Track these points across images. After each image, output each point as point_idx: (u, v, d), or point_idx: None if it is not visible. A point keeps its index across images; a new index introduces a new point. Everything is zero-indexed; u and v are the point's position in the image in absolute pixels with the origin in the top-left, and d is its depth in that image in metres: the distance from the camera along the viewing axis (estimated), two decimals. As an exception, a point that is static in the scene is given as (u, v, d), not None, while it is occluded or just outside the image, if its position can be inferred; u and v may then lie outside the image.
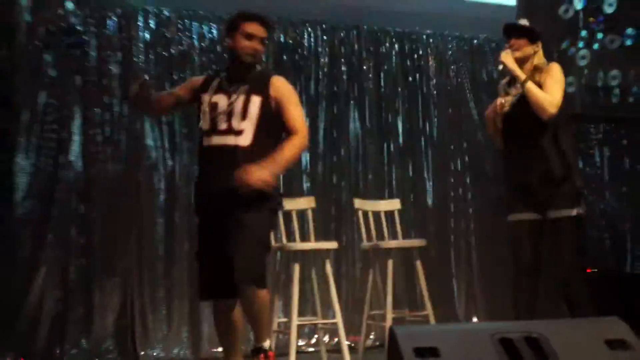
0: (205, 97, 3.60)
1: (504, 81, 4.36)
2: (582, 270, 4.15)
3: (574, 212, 4.02)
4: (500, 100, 4.25)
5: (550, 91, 4.05)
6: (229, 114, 3.55)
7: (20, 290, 4.99)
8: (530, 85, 4.07)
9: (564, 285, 4.11)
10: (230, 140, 3.54)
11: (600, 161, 7.09)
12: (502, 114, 4.22)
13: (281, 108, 3.62)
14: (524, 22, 4.30)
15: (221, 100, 3.57)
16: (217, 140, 3.57)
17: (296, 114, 3.66)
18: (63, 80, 5.22)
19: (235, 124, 3.54)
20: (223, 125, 3.55)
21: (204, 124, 3.59)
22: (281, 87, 3.68)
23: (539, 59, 4.20)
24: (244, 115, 3.54)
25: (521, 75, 4.11)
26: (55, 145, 5.17)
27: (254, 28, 3.63)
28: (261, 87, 3.60)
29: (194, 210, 3.76)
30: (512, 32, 4.26)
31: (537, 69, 4.16)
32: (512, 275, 4.25)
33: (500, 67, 4.21)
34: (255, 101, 3.56)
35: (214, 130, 3.57)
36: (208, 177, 3.65)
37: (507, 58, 4.15)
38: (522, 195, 4.19)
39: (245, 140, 3.53)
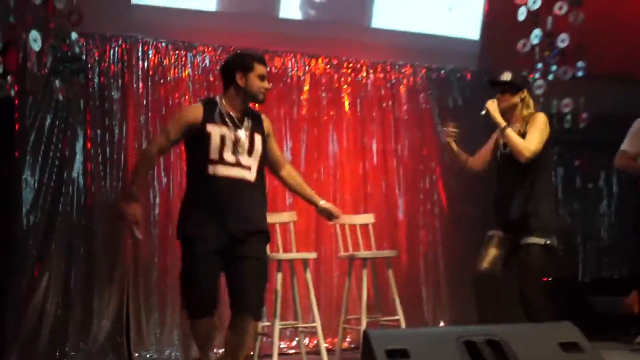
0: (215, 128, 3.45)
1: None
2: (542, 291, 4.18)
3: (543, 241, 4.06)
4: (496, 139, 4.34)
5: (529, 138, 4.08)
6: (236, 148, 3.45)
7: (25, 295, 4.99)
8: (508, 131, 4.10)
9: (522, 295, 4.14)
10: (239, 173, 3.45)
11: (555, 180, 7.13)
12: (498, 153, 4.32)
13: (269, 143, 3.63)
14: (506, 76, 4.29)
15: (227, 133, 3.45)
16: (225, 171, 3.43)
17: (278, 146, 3.75)
18: (68, 104, 5.20)
19: (244, 159, 3.46)
20: (231, 158, 3.44)
21: (213, 153, 3.44)
22: (269, 125, 3.66)
23: (527, 106, 4.23)
24: (250, 151, 3.47)
25: (501, 122, 4.15)
26: (60, 163, 5.17)
27: (264, 69, 3.59)
28: (259, 125, 3.57)
29: (188, 233, 3.50)
30: (492, 85, 4.30)
31: (523, 119, 4.19)
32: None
33: (484, 112, 4.23)
34: (259, 139, 3.51)
35: (221, 160, 3.43)
36: (219, 208, 3.46)
37: (491, 106, 4.19)
38: (502, 220, 4.24)
39: (251, 175, 3.48)
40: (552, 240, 4.08)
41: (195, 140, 3.50)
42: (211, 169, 3.45)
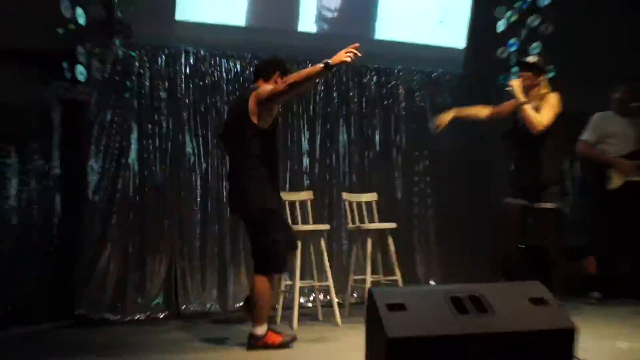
0: None
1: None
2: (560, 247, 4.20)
3: (555, 205, 4.07)
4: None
5: (542, 113, 4.08)
6: None
7: (92, 260, 5.04)
8: (525, 106, 4.09)
9: (504, 259, 4.15)
10: None
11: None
12: (517, 126, 4.26)
13: None
14: (531, 58, 4.28)
15: None
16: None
17: None
18: (124, 103, 5.23)
19: None
20: None
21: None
22: None
23: (544, 88, 4.19)
24: None
25: (521, 97, 4.13)
26: (118, 152, 5.19)
27: None
28: None
29: (275, 206, 3.68)
30: (520, 65, 4.26)
31: (540, 97, 4.16)
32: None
33: (508, 89, 4.22)
34: None
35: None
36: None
37: (515, 84, 4.20)
38: (519, 188, 4.23)
39: None
40: (561, 204, 4.08)
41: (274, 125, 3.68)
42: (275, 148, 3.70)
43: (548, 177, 4.16)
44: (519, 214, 4.30)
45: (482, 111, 4.57)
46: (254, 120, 3.57)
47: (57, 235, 5.46)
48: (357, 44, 3.38)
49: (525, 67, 4.27)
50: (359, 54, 3.39)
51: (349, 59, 3.35)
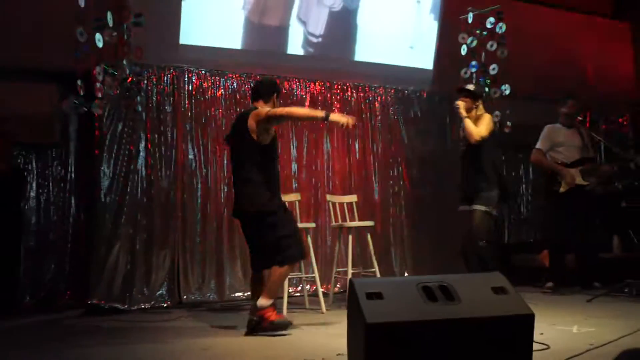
0: None
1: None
2: (490, 245, 4.24)
3: (483, 207, 4.13)
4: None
5: (479, 127, 4.19)
6: None
7: (103, 255, 4.96)
8: (466, 120, 4.29)
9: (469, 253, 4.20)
10: None
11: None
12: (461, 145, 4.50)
13: None
14: (470, 86, 4.44)
15: None
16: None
17: None
18: (133, 116, 5.16)
19: None
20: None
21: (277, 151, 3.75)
22: None
23: (480, 110, 4.34)
24: None
25: (463, 113, 4.31)
26: (127, 158, 5.11)
27: None
28: None
29: (276, 207, 3.61)
30: (461, 91, 4.41)
31: (477, 118, 4.30)
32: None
33: (455, 107, 4.38)
34: None
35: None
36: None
37: (460, 104, 4.37)
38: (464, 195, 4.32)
39: None
40: (490, 207, 4.14)
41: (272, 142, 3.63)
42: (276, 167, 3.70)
43: (479, 184, 4.24)
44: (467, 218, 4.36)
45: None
46: (254, 136, 3.53)
47: (72, 233, 5.39)
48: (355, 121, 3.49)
49: (465, 93, 4.37)
50: (355, 124, 3.50)
51: (344, 123, 3.40)
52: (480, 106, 4.38)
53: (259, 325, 3.49)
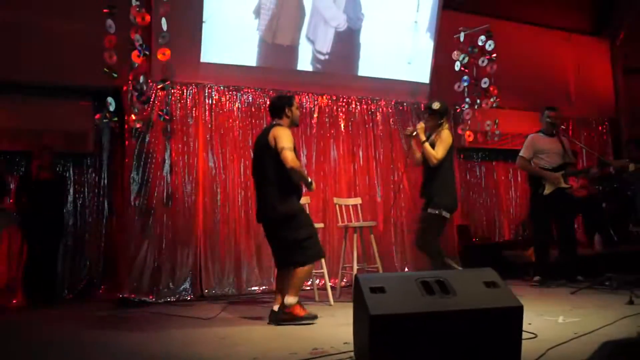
0: None
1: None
2: (438, 245, 4.21)
3: (436, 211, 4.10)
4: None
5: (436, 149, 4.14)
6: None
7: (133, 252, 4.97)
8: (425, 145, 4.21)
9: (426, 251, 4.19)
10: None
11: (479, 174, 7.08)
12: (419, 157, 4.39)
13: None
14: (435, 105, 4.30)
15: None
16: None
17: None
18: (159, 127, 5.17)
19: None
20: None
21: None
22: None
23: (444, 127, 4.24)
24: None
25: (423, 138, 4.24)
26: (154, 166, 5.12)
27: (296, 102, 3.77)
28: None
29: (297, 211, 3.63)
30: (426, 109, 4.34)
31: (437, 135, 4.21)
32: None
33: (414, 133, 4.29)
34: None
35: None
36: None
37: (419, 127, 4.30)
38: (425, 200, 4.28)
39: None
40: (442, 211, 4.10)
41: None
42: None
43: (435, 190, 4.21)
44: None
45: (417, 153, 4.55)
46: (275, 147, 3.52)
47: (105, 234, 5.43)
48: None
49: (430, 111, 4.31)
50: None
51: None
52: (445, 124, 4.29)
53: (282, 317, 3.50)
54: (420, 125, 4.29)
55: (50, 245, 5.09)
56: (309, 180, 3.55)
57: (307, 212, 4.78)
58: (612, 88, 8.02)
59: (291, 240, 3.53)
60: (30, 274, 4.93)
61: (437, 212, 4.14)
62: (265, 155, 3.58)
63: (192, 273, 5.13)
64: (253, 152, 3.84)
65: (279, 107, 3.71)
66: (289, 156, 3.45)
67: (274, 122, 3.71)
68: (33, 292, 4.89)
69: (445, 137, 4.21)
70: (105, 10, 4.49)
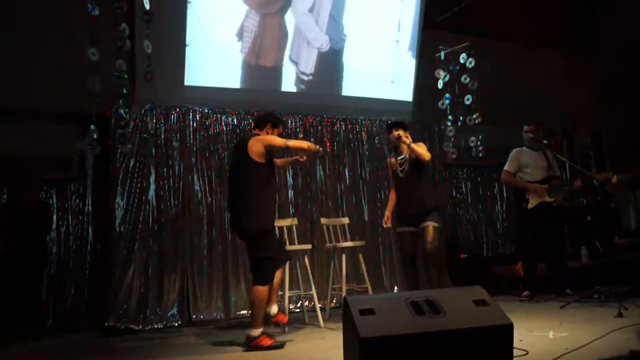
0: None
1: (392, 156, 4.60)
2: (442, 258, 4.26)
3: (434, 224, 4.13)
4: (393, 161, 4.51)
5: (423, 149, 4.18)
6: None
7: (119, 279, 4.91)
8: (412, 145, 4.31)
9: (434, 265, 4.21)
10: None
11: (465, 190, 7.13)
12: (397, 170, 4.46)
13: None
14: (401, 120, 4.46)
15: None
16: None
17: None
18: (144, 152, 5.15)
19: None
20: None
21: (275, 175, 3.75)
22: None
23: (408, 138, 4.35)
24: None
25: (407, 141, 4.36)
26: (139, 190, 5.10)
27: (281, 131, 3.79)
28: None
29: (271, 226, 3.67)
30: (398, 126, 4.41)
31: (407, 146, 4.34)
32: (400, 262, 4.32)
33: (399, 138, 4.35)
34: None
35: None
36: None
37: (402, 133, 4.41)
38: (406, 216, 4.25)
39: None
40: (439, 222, 4.16)
41: (269, 164, 3.61)
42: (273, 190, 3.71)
43: (429, 202, 4.26)
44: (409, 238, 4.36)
45: (393, 198, 4.61)
46: (254, 157, 3.52)
47: (90, 261, 5.35)
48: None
49: (397, 125, 4.47)
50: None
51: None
52: (408, 135, 4.46)
53: (249, 349, 3.46)
54: (402, 132, 4.40)
55: (33, 273, 4.99)
56: (315, 147, 3.59)
57: (292, 233, 4.80)
58: (592, 102, 8.16)
59: (253, 257, 3.55)
60: (12, 302, 4.82)
61: (437, 225, 4.20)
62: (242, 165, 3.57)
63: (179, 298, 5.06)
64: (231, 160, 3.85)
65: (264, 121, 3.74)
66: (292, 144, 3.58)
67: (253, 132, 3.75)
68: (16, 321, 4.78)
69: (423, 145, 4.38)
70: (88, 38, 4.46)
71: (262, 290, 3.47)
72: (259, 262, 3.52)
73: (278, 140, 3.59)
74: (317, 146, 3.64)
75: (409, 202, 4.36)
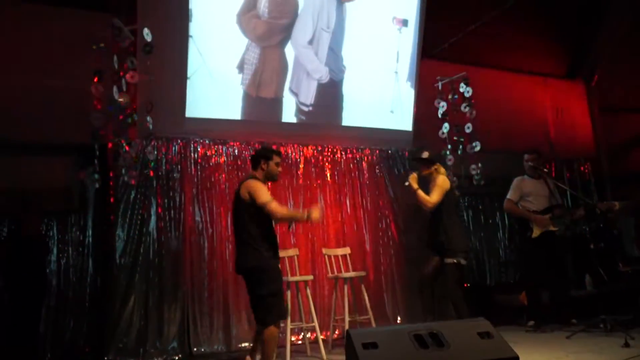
0: None
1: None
2: (461, 291, 4.14)
3: (454, 260, 4.06)
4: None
5: (431, 194, 4.14)
6: None
7: (118, 313, 4.86)
8: (417, 192, 4.19)
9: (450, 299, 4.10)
10: None
11: (467, 218, 7.11)
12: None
13: None
14: (424, 155, 4.36)
15: None
16: None
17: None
18: (145, 183, 5.16)
19: None
20: None
21: None
22: None
23: (436, 173, 4.26)
24: None
25: (414, 187, 4.22)
26: (140, 222, 5.08)
27: (279, 159, 3.66)
28: None
29: (272, 264, 3.49)
30: (418, 161, 4.36)
31: (433, 180, 4.23)
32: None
33: (407, 183, 4.26)
34: None
35: None
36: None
37: (412, 179, 4.26)
38: (430, 245, 4.25)
39: None
40: (459, 258, 4.07)
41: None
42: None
43: (444, 238, 4.20)
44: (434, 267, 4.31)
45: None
46: (246, 201, 3.47)
47: (89, 293, 5.28)
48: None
49: (421, 161, 4.37)
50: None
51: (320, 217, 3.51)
52: (439, 168, 4.36)
53: None
54: (412, 175, 4.32)
55: (32, 306, 4.94)
56: (304, 216, 3.43)
57: (294, 264, 4.77)
58: (590, 128, 8.22)
59: (256, 296, 3.45)
60: (10, 335, 4.76)
61: (454, 261, 4.11)
62: (239, 208, 3.54)
63: (179, 331, 5.00)
64: (232, 203, 3.82)
65: (256, 159, 3.69)
66: (273, 208, 3.41)
67: (250, 174, 3.71)
68: (13, 354, 4.71)
69: (440, 182, 4.24)
70: (95, 77, 4.50)
71: (269, 332, 3.35)
72: (260, 299, 3.42)
73: (262, 196, 3.42)
74: (304, 212, 3.42)
75: (430, 234, 4.32)
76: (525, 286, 5.34)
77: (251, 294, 3.51)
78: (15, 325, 4.77)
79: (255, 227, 3.46)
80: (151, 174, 5.09)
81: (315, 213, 3.41)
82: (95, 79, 4.22)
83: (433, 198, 4.17)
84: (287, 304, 4.20)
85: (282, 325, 4.56)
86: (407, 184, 4.28)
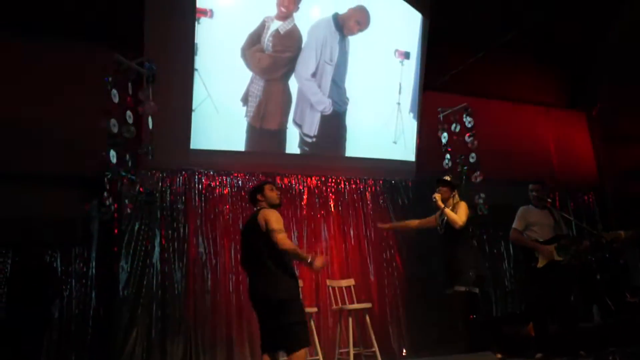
0: None
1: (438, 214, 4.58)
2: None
3: (464, 288, 4.08)
4: (437, 215, 4.54)
5: (458, 214, 4.25)
6: None
7: (120, 346, 4.82)
8: (446, 210, 4.37)
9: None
10: None
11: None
12: (438, 227, 4.52)
13: None
14: (447, 177, 4.54)
15: None
16: None
17: None
18: (149, 215, 5.18)
19: None
20: None
21: None
22: None
23: (456, 199, 4.37)
24: None
25: (441, 206, 4.40)
26: (144, 253, 5.08)
27: (272, 185, 3.73)
28: None
29: (293, 295, 3.47)
30: (440, 182, 4.48)
31: (453, 206, 4.32)
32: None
33: (435, 199, 4.36)
34: None
35: None
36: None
37: (437, 196, 4.47)
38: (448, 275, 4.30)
39: None
40: (471, 287, 4.09)
41: None
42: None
43: (457, 266, 4.23)
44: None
45: (412, 222, 4.75)
46: (263, 229, 3.48)
47: (92, 325, 5.24)
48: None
49: (443, 183, 4.49)
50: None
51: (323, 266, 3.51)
52: (456, 195, 4.47)
53: None
54: (438, 195, 4.44)
55: (34, 340, 4.89)
56: (308, 258, 3.41)
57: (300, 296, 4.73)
58: (593, 158, 8.23)
59: (285, 324, 3.39)
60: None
61: (466, 289, 4.12)
62: (256, 238, 3.52)
63: (183, 363, 4.93)
64: (241, 239, 3.79)
65: (252, 196, 3.75)
66: (280, 238, 3.41)
67: (257, 207, 3.72)
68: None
69: (464, 206, 4.43)
70: (106, 110, 4.51)
71: (300, 356, 3.31)
72: (289, 327, 3.36)
73: (275, 224, 3.45)
74: (309, 256, 3.41)
75: (445, 260, 4.38)
76: (532, 317, 5.26)
77: (275, 323, 3.42)
78: (16, 358, 4.72)
79: (280, 255, 3.45)
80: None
81: (319, 262, 3.40)
82: (109, 114, 4.27)
83: (462, 218, 4.25)
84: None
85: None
86: (434, 198, 4.35)
